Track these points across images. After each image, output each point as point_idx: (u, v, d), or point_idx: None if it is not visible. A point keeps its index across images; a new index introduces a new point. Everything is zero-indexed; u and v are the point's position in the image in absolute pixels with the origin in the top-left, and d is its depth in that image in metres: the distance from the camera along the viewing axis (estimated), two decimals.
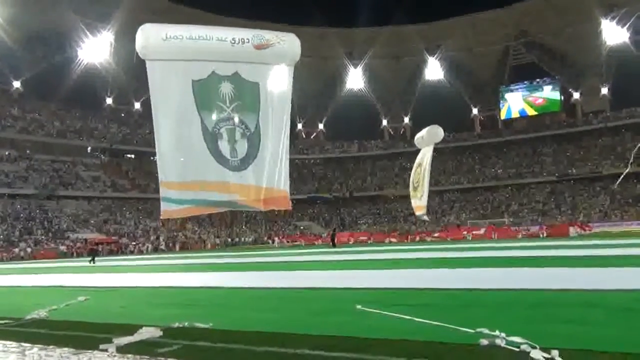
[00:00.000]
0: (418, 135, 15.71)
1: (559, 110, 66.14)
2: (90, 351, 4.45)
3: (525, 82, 68.09)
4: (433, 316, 5.17)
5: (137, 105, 66.27)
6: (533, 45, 65.54)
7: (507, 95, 68.92)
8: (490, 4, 59.16)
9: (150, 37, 5.64)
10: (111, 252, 40.52)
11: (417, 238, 36.75)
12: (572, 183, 56.78)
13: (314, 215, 63.78)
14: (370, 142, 73.78)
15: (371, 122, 75.11)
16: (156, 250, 43.23)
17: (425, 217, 17.04)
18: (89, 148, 58.16)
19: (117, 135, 60.74)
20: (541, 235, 31.38)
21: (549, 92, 66.70)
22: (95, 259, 25.71)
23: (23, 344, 4.81)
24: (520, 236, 32.71)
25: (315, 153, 73.08)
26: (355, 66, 67.12)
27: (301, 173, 67.68)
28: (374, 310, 5.84)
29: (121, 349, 4.50)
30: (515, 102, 68.26)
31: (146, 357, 4.20)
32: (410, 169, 17.56)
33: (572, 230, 31.32)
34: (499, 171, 62.37)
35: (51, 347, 4.62)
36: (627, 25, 54.08)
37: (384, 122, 74.85)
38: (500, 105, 69.15)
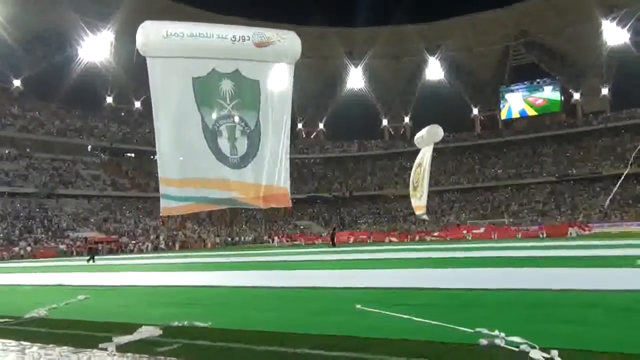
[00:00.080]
0: (418, 135, 15.66)
1: (559, 111, 66.17)
2: (89, 350, 4.45)
3: (526, 82, 68.09)
4: (432, 316, 5.17)
5: (137, 104, 66.30)
6: (533, 45, 65.54)
7: (508, 96, 68.93)
8: (490, 4, 59.25)
9: (151, 34, 5.64)
10: (111, 251, 40.50)
11: (417, 238, 36.77)
12: (572, 183, 56.79)
13: (313, 215, 63.80)
14: (370, 141, 73.77)
15: (371, 122, 75.17)
16: (156, 249, 43.22)
17: (425, 217, 16.98)
18: (89, 147, 58.10)
19: (117, 134, 60.73)
20: (540, 236, 31.39)
21: (549, 93, 66.71)
22: (95, 257, 25.66)
23: (23, 342, 4.81)
24: (519, 236, 32.71)
25: (315, 152, 73.09)
26: (356, 66, 67.11)
27: (301, 172, 67.67)
28: (374, 310, 5.84)
29: (121, 348, 4.50)
30: (516, 103, 68.27)
31: (146, 356, 4.20)
32: (410, 168, 17.53)
33: (571, 231, 31.32)
34: (499, 171, 62.38)
35: (51, 345, 4.61)
36: (627, 26, 54.09)
37: (384, 122, 74.85)
38: (501, 105, 69.14)
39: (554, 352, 3.67)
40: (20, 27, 48.45)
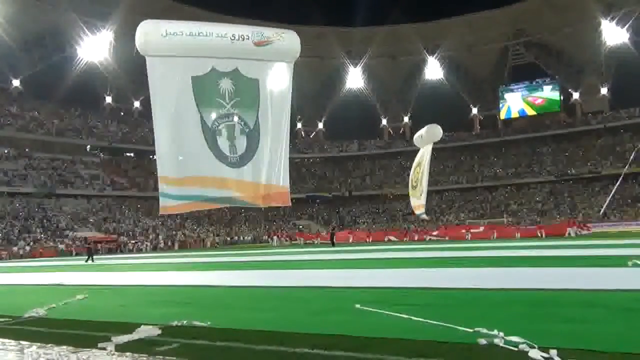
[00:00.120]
0: (417, 135, 15.66)
1: (559, 110, 66.21)
2: (88, 349, 4.44)
3: (525, 82, 68.11)
4: (432, 315, 5.17)
5: (137, 104, 66.19)
6: (532, 45, 65.61)
7: (507, 95, 68.94)
8: (489, 3, 59.29)
9: (150, 33, 5.63)
10: (110, 251, 40.50)
11: (417, 237, 36.77)
12: (571, 183, 56.83)
13: (313, 214, 63.78)
14: (370, 141, 73.72)
15: (370, 122, 75.14)
16: (155, 248, 43.19)
17: (425, 216, 17.00)
18: (88, 146, 58.01)
19: (117, 133, 60.65)
20: (539, 235, 31.40)
21: (549, 92, 66.74)
22: (94, 257, 25.65)
23: (22, 342, 4.79)
24: (518, 235, 32.73)
25: (314, 152, 73.06)
26: (355, 65, 67.09)
27: (300, 172, 67.64)
28: (373, 310, 5.83)
29: (120, 347, 4.49)
30: (515, 102, 68.28)
31: (145, 355, 4.19)
32: (410, 168, 17.54)
33: (570, 230, 31.29)
34: (498, 171, 62.39)
35: (50, 345, 4.60)
36: (626, 26, 54.13)
37: (384, 122, 74.84)
38: (500, 105, 69.13)
39: (553, 352, 3.66)
40: (19, 27, 48.41)
